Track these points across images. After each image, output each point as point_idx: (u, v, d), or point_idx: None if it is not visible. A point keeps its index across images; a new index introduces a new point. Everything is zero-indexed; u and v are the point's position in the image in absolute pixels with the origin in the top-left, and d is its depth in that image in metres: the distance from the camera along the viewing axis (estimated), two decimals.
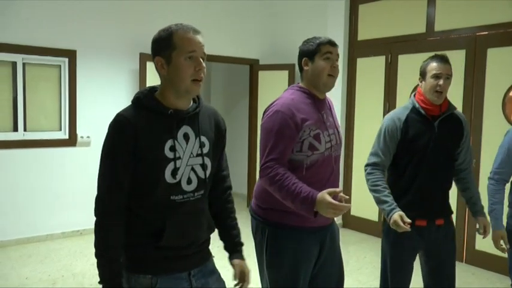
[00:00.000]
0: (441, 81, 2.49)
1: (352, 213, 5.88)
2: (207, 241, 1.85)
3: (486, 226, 2.64)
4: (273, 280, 2.24)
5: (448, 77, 2.53)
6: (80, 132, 5.28)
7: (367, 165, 2.61)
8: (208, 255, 1.85)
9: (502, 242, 2.70)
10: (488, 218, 2.72)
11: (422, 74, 2.58)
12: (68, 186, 5.21)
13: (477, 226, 2.70)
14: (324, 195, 1.91)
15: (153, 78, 4.86)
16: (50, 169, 5.16)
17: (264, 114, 2.21)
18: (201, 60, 1.63)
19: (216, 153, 1.82)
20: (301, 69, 2.25)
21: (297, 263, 2.18)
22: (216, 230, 1.93)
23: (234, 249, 1.92)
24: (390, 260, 2.64)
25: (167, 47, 1.62)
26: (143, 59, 5.30)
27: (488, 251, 4.33)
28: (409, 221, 2.33)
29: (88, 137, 5.27)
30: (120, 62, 5.44)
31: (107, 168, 1.63)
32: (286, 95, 2.22)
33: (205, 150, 1.74)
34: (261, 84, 6.60)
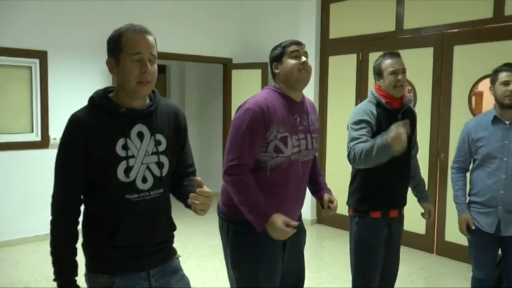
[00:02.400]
0: (400, 76, 2.55)
1: None
2: (169, 240, 1.83)
3: (430, 211, 2.85)
4: (236, 278, 2.22)
5: (404, 71, 2.59)
6: (52, 133, 5.21)
7: (350, 147, 2.48)
8: (171, 255, 1.83)
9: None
10: (455, 204, 2.96)
11: (378, 73, 2.63)
12: (41, 189, 5.08)
13: (422, 211, 2.87)
14: (279, 220, 1.98)
15: None
16: (22, 171, 5.08)
17: (237, 111, 2.18)
18: (147, 62, 1.61)
19: (175, 151, 1.80)
20: (273, 74, 2.24)
21: (258, 260, 2.14)
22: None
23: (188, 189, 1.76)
24: (368, 260, 2.67)
25: (116, 48, 1.62)
26: None
27: (458, 242, 4.45)
28: (407, 121, 2.27)
29: None
30: (92, 62, 5.36)
31: (59, 168, 1.65)
32: (261, 94, 2.20)
33: (162, 148, 1.72)
34: (234, 83, 6.63)
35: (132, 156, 1.64)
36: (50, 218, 1.66)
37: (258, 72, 6.29)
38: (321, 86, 5.95)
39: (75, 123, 1.62)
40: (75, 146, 1.60)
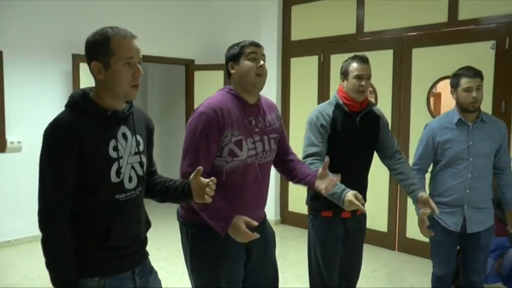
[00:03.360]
0: (363, 82, 2.61)
1: (289, 209, 6.02)
2: (146, 239, 1.89)
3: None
4: (196, 282, 2.19)
5: (369, 77, 2.65)
6: (9, 137, 5.01)
7: (305, 157, 2.57)
8: (147, 253, 1.89)
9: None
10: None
11: (344, 74, 2.69)
12: None
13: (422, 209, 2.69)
14: (240, 222, 1.94)
15: (86, 80, 4.72)
16: None
17: (191, 115, 2.14)
18: (139, 66, 1.66)
19: (148, 150, 1.89)
20: (229, 74, 2.19)
21: (218, 265, 2.11)
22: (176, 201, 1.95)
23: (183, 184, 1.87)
24: (323, 258, 2.70)
25: (105, 52, 1.61)
26: (76, 60, 5.14)
27: (419, 239, 4.57)
28: (360, 196, 2.32)
29: (19, 142, 5.03)
30: (51, 63, 5.21)
31: (51, 175, 1.59)
32: (215, 96, 2.16)
33: (141, 148, 1.80)
34: (197, 85, 6.59)
35: (121, 157, 1.68)
36: (42, 229, 1.60)
37: (220, 74, 6.27)
38: (283, 88, 6.00)
39: (66, 128, 1.58)
40: (70, 152, 1.57)
